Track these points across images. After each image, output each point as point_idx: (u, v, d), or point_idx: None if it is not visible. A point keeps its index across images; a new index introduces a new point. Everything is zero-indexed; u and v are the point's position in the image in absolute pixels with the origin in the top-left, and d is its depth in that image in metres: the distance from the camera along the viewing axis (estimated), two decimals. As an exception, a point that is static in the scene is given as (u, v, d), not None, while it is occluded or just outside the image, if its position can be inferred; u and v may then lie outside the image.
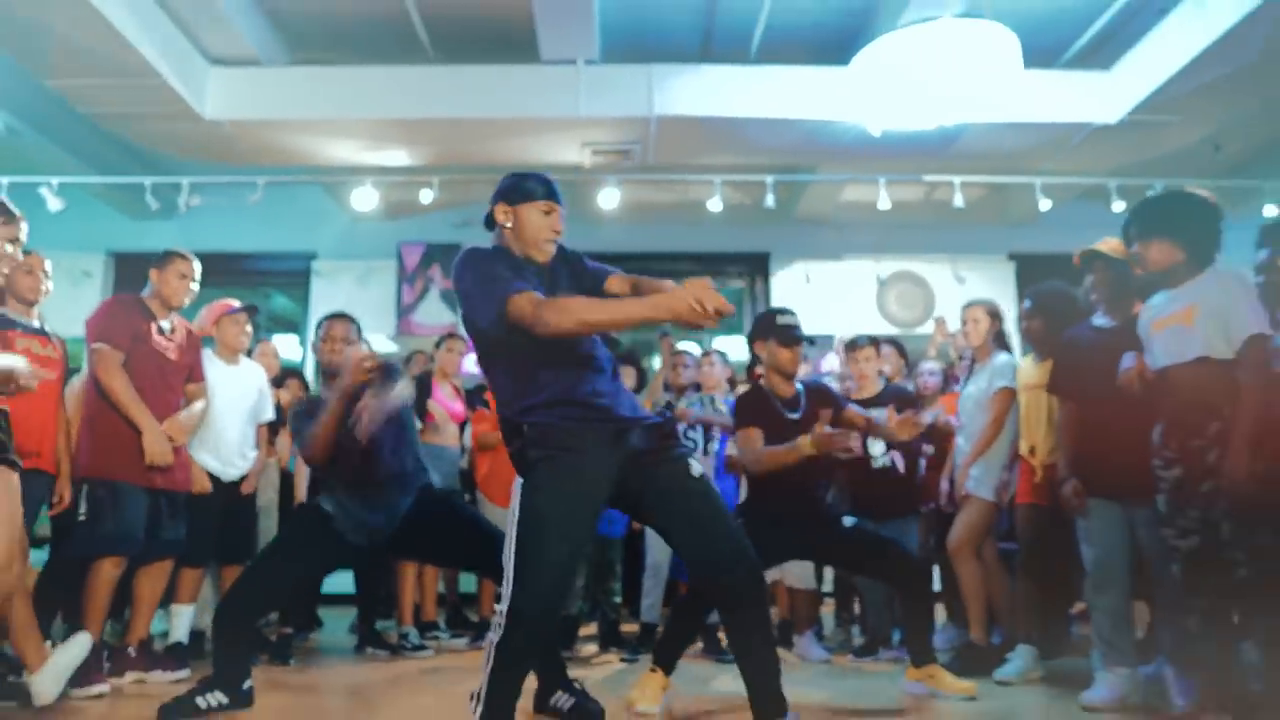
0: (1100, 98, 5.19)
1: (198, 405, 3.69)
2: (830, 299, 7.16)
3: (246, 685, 2.99)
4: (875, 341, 4.31)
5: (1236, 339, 2.59)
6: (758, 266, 7.58)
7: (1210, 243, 2.80)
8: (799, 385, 3.37)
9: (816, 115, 5.17)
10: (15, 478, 2.60)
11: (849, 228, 7.34)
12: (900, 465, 4.11)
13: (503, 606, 2.08)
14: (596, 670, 3.85)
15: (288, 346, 8.80)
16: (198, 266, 3.70)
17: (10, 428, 2.65)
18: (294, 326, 8.30)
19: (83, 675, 3.18)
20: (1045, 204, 5.84)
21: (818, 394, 3.40)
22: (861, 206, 6.67)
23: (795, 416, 3.27)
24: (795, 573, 4.21)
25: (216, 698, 2.90)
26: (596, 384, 2.23)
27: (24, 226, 2.90)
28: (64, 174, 5.94)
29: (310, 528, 3.07)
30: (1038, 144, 5.51)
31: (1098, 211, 5.99)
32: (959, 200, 5.76)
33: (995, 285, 7.08)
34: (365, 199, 6.05)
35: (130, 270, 7.28)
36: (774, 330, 3.28)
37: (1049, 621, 3.82)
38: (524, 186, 2.37)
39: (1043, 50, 5.22)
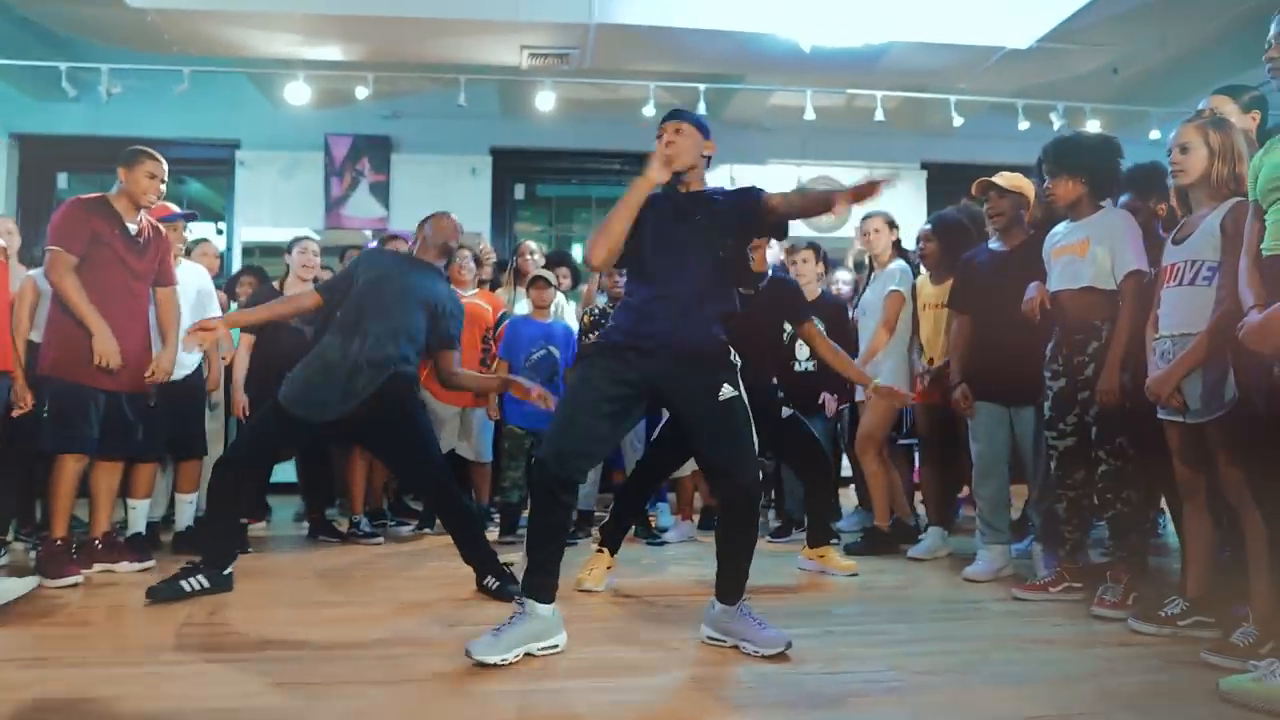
0: (1015, 24, 5.48)
1: (173, 335, 3.75)
2: (754, 201, 7.43)
3: (228, 571, 3.25)
4: (813, 246, 4.58)
5: (1119, 272, 2.98)
6: (695, 168, 7.76)
7: (1109, 180, 3.16)
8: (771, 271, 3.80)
9: (751, 28, 5.30)
10: None
11: (774, 133, 7.56)
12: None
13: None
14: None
15: (205, 233, 8.61)
16: (165, 166, 3.68)
17: None
18: (215, 215, 8.10)
19: (55, 568, 3.37)
20: (958, 120, 6.19)
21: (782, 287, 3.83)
22: (787, 112, 6.89)
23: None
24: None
25: (199, 581, 3.16)
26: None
27: None
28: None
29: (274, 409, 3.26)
30: (956, 63, 5.79)
31: (1006, 126, 6.42)
32: (879, 114, 6.03)
33: (908, 193, 7.47)
34: (298, 93, 5.93)
35: (36, 151, 7.01)
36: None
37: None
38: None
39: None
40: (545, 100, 5.90)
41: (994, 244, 3.64)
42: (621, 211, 2.51)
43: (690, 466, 4.57)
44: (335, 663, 2.43)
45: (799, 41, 5.24)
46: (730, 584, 2.61)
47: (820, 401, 4.49)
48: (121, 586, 3.37)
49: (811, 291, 4.52)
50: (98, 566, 3.61)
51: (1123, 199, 3.31)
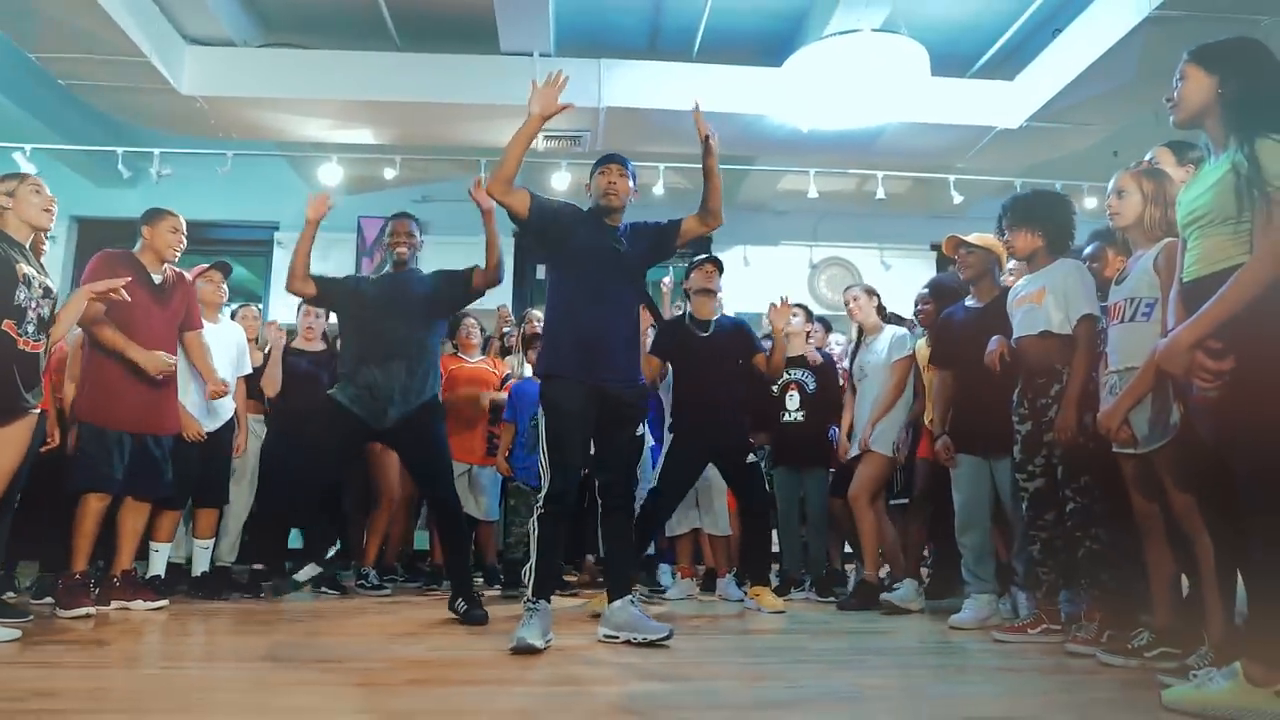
0: (1004, 105, 5.78)
1: (208, 364, 4.09)
2: (766, 281, 7.67)
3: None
4: (803, 307, 4.90)
5: (1074, 317, 3.13)
6: (701, 248, 8.07)
7: (1065, 233, 3.33)
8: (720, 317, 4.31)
9: (751, 111, 5.65)
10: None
11: (786, 215, 7.89)
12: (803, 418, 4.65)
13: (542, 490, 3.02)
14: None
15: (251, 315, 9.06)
16: (184, 222, 4.01)
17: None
18: (254, 296, 8.56)
19: (70, 599, 3.54)
20: (958, 198, 6.44)
21: (739, 332, 4.29)
22: (797, 196, 7.20)
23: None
24: (712, 522, 4.71)
25: (462, 604, 3.54)
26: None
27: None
28: (35, 141, 6.19)
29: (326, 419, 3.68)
30: (951, 144, 6.07)
31: (1007, 208, 6.62)
32: (881, 193, 6.32)
33: (917, 272, 7.68)
34: (331, 174, 6.39)
35: (93, 234, 7.51)
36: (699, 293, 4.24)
37: (944, 565, 4.41)
38: None
39: (955, 61, 5.80)
40: (561, 180, 6.28)
41: (969, 301, 3.81)
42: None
43: (689, 524, 4.69)
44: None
45: (797, 124, 5.57)
46: (617, 583, 3.10)
47: (817, 446, 4.68)
48: (130, 623, 3.48)
49: (798, 347, 4.72)
50: (115, 603, 3.77)
51: (1088, 249, 3.49)
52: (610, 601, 3.10)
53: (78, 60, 4.98)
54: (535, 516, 3.02)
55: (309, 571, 3.78)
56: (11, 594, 4.15)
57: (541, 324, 5.48)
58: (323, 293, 3.90)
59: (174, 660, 2.82)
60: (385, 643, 3.02)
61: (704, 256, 4.47)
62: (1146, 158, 3.02)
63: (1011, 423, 3.32)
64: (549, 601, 2.97)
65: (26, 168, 5.99)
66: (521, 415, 4.73)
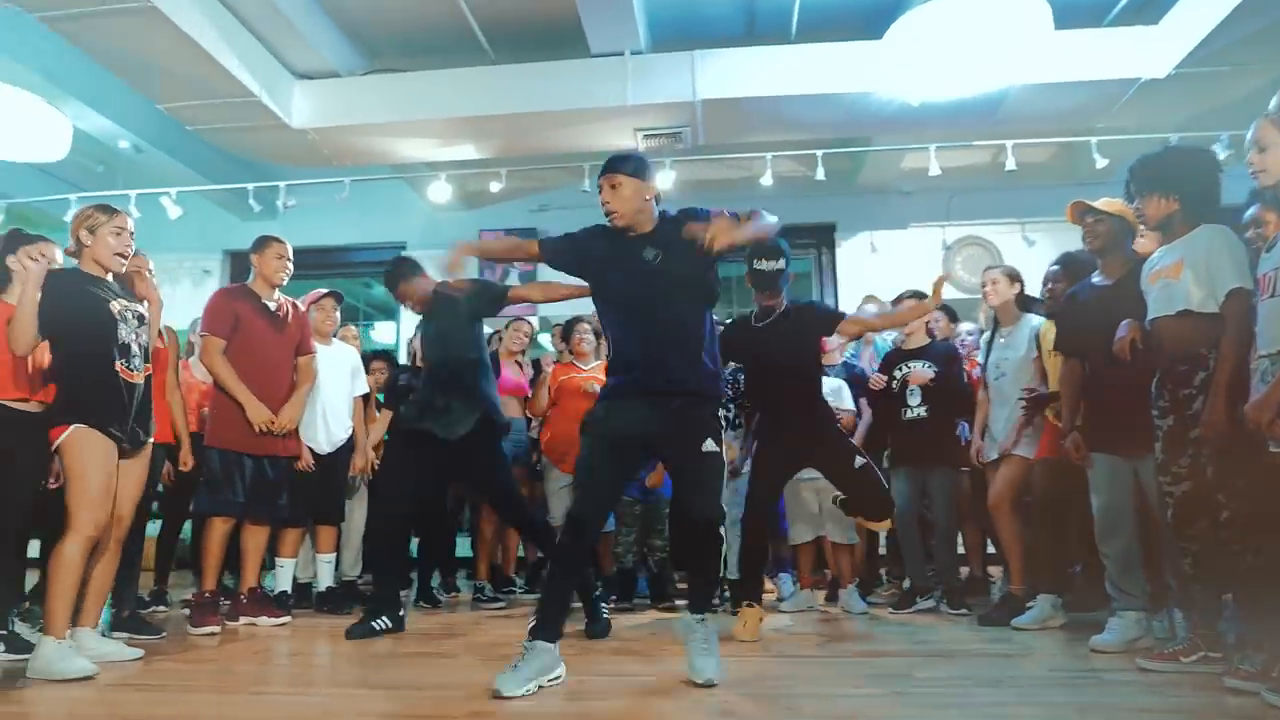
0: (1147, 53, 5.12)
1: (303, 391, 4.17)
2: (896, 267, 7.23)
3: (401, 613, 3.70)
4: (918, 294, 4.42)
5: (1220, 292, 2.67)
6: (823, 237, 7.73)
7: (1206, 197, 2.85)
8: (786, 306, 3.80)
9: (854, 89, 5.29)
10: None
11: (914, 196, 7.40)
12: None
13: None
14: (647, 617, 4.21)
15: (387, 332, 9.50)
16: (290, 248, 4.18)
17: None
18: (391, 313, 8.95)
19: (199, 617, 3.76)
20: (1102, 161, 5.78)
21: (805, 311, 3.84)
22: (925, 175, 6.72)
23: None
24: (835, 529, 4.43)
25: (385, 622, 3.62)
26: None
27: (129, 221, 3.24)
28: (181, 184, 6.67)
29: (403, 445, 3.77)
30: (1086, 102, 5.46)
31: (1165, 166, 5.88)
32: (1011, 163, 5.78)
33: (1065, 248, 6.95)
34: (440, 191, 6.54)
35: (243, 266, 8.06)
36: (750, 272, 3.70)
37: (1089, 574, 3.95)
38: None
39: (1089, 10, 5.19)
40: (665, 179, 6.13)
41: (1096, 278, 3.36)
42: None
43: (813, 532, 4.44)
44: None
45: (906, 98, 5.17)
46: (696, 596, 2.82)
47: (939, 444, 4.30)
48: (256, 639, 3.66)
49: (917, 340, 4.36)
50: (243, 619, 3.98)
51: (1248, 213, 2.99)
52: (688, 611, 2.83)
53: (197, 106, 5.31)
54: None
55: (381, 624, 3.72)
56: (164, 607, 4.50)
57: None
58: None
59: (264, 685, 2.88)
60: (463, 669, 2.98)
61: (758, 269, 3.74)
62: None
63: (1151, 417, 2.89)
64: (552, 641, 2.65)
65: (173, 211, 6.47)
66: None
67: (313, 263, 7.25)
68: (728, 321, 4.22)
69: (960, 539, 4.62)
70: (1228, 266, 2.66)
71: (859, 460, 3.65)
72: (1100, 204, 3.30)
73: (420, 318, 4.17)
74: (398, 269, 4.06)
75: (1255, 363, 2.39)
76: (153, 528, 5.20)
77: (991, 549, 4.65)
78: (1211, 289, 2.69)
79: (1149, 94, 5.36)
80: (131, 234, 3.21)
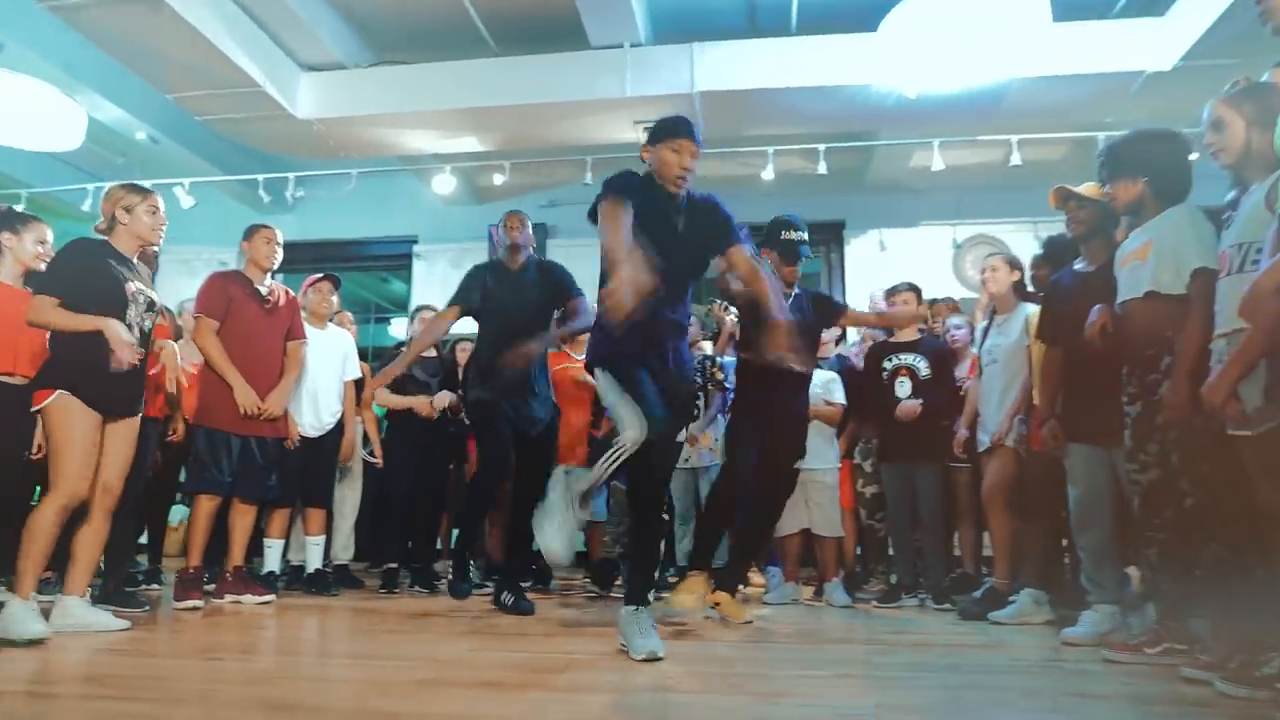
0: (1152, 45, 5.02)
1: (291, 377, 4.21)
2: (906, 265, 7.14)
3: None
4: (913, 288, 4.43)
5: (1185, 273, 2.62)
6: (832, 235, 7.67)
7: (1175, 178, 2.80)
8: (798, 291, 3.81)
9: (852, 81, 5.26)
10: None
11: (925, 194, 7.32)
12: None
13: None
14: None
15: (399, 327, 9.59)
16: (279, 233, 4.25)
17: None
18: (404, 306, 9.03)
19: (183, 591, 3.81)
20: (1110, 158, 5.67)
21: (818, 301, 3.90)
22: (936, 172, 6.66)
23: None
24: (821, 522, 4.40)
25: (509, 596, 3.75)
26: None
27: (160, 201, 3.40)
28: (197, 176, 6.81)
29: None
30: (1092, 96, 5.37)
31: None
32: (1016, 158, 5.71)
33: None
34: (444, 184, 6.60)
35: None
36: (778, 244, 3.69)
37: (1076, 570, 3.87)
38: (662, 127, 2.94)
39: (1094, 3, 5.10)
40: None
41: (1078, 264, 3.31)
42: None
43: (797, 524, 4.40)
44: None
45: (902, 90, 5.12)
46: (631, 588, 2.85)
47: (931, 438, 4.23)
48: (239, 615, 3.67)
49: (908, 334, 4.32)
50: (227, 596, 4.02)
51: (1229, 195, 2.91)
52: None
53: (204, 96, 5.42)
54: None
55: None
56: (158, 585, 4.58)
57: None
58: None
59: (223, 651, 2.92)
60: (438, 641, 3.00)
61: (790, 239, 3.87)
62: (1263, 77, 2.48)
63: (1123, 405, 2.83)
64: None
65: (185, 201, 6.61)
66: None
67: (327, 256, 7.37)
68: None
69: (957, 537, 4.55)
70: (1193, 246, 2.61)
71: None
72: (1083, 189, 3.26)
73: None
74: None
75: (1214, 343, 2.33)
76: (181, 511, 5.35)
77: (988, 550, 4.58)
78: (1178, 270, 2.63)
79: (1156, 87, 5.26)
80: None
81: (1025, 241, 7.23)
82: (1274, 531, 2.27)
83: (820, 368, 4.38)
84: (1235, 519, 2.52)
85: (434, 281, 7.85)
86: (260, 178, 6.54)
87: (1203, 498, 2.55)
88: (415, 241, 7.98)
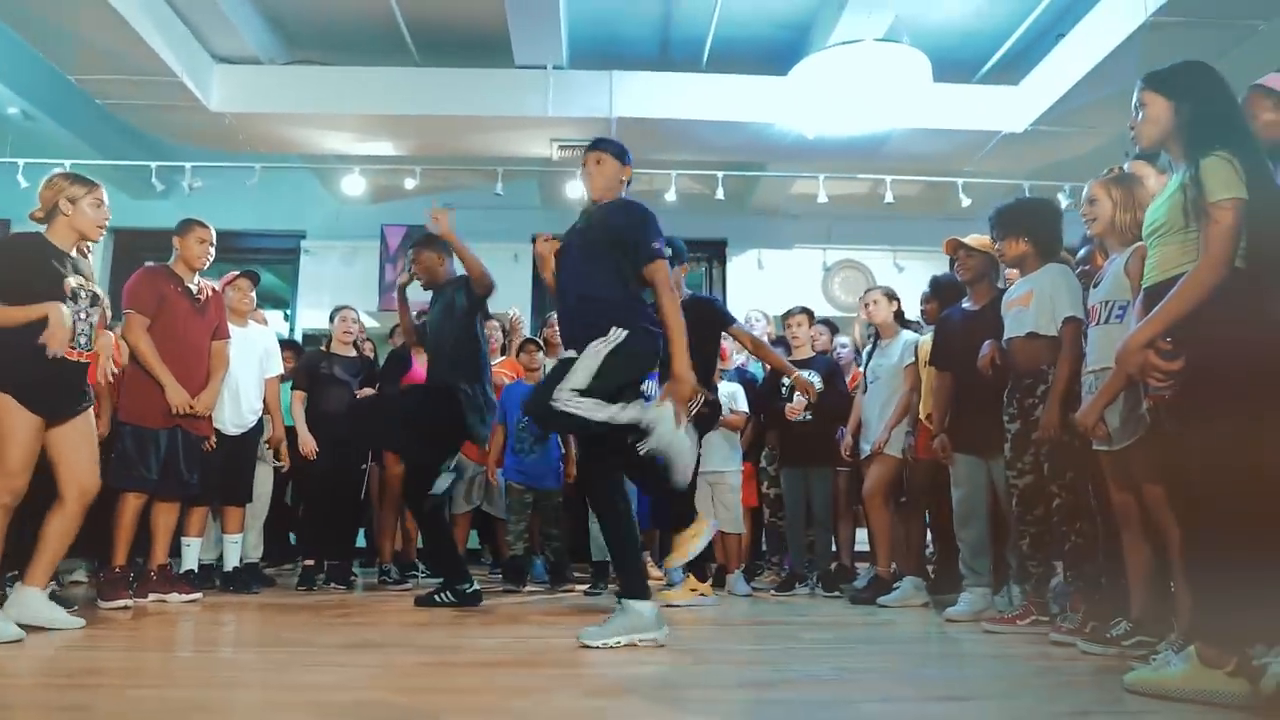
0: (1010, 110, 5.87)
1: (219, 376, 4.21)
2: (780, 283, 7.82)
3: (471, 589, 3.94)
4: (806, 311, 4.98)
5: (1059, 319, 3.25)
6: (715, 252, 8.25)
7: (1052, 239, 3.45)
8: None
9: (759, 119, 5.79)
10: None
11: (800, 219, 8.01)
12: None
13: None
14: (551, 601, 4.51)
15: (275, 321, 9.33)
16: (213, 232, 4.22)
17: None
18: (282, 303, 8.83)
19: (110, 591, 3.76)
20: (967, 201, 6.53)
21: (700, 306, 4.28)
22: (810, 200, 7.32)
23: None
24: (725, 519, 4.85)
25: (447, 596, 3.93)
26: None
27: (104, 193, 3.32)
28: (72, 157, 6.47)
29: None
30: (957, 148, 6.17)
31: (1018, 209, 6.71)
32: (889, 196, 6.43)
33: (930, 273, 7.65)
34: (354, 185, 6.63)
35: (128, 244, 7.79)
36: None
37: (947, 560, 4.50)
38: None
39: (960, 67, 5.89)
40: (575, 189, 6.46)
41: (966, 304, 3.92)
42: None
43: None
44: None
45: (803, 131, 5.70)
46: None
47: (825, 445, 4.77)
48: (166, 614, 3.67)
49: (803, 353, 4.85)
50: (152, 595, 3.98)
51: (1082, 251, 3.58)
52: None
53: (113, 81, 5.25)
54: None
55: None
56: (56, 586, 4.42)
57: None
58: None
59: (205, 645, 3.01)
60: (402, 630, 3.21)
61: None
62: (1124, 166, 3.13)
63: (1004, 423, 3.44)
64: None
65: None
66: (509, 416, 4.86)
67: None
68: None
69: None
70: (1065, 299, 3.24)
71: None
72: (970, 240, 3.86)
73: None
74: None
75: (1084, 378, 2.94)
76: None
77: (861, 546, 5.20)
78: (1053, 316, 3.26)
79: (1008, 145, 6.12)
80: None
81: (886, 266, 8.09)
82: (1123, 523, 2.91)
83: (723, 380, 4.81)
84: (1090, 514, 3.18)
85: (322, 278, 7.80)
86: (154, 165, 6.32)
87: (1067, 499, 3.18)
88: (303, 237, 7.88)
